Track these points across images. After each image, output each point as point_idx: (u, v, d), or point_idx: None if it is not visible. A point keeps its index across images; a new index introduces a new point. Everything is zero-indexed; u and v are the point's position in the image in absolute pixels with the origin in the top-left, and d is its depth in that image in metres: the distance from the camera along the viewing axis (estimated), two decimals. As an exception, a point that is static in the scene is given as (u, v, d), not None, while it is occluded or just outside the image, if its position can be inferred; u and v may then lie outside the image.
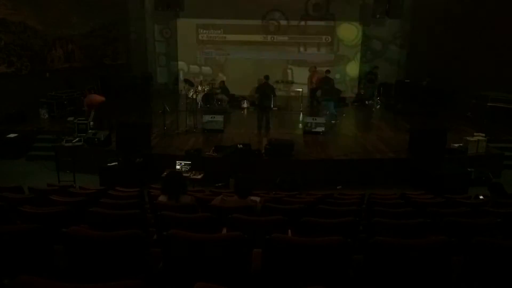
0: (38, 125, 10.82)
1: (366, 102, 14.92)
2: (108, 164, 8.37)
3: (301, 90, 14.62)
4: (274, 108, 13.78)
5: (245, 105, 13.81)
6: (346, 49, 16.74)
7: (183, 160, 8.14)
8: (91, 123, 9.95)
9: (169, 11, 14.95)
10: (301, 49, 16.81)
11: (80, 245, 2.79)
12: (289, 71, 16.68)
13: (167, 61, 16.61)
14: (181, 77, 16.14)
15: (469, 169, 8.56)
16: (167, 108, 10.82)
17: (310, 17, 16.29)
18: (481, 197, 5.95)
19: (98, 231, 2.92)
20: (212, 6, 15.80)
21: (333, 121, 11.72)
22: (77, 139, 9.27)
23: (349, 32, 16.64)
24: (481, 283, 2.80)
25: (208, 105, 13.40)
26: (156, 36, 16.92)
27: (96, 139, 9.14)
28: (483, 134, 9.43)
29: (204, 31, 16.61)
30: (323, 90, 12.77)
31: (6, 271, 2.61)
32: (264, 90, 11.15)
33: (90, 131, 9.56)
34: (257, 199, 4.64)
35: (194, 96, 13.43)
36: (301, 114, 13.04)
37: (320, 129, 10.48)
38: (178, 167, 7.97)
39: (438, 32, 14.22)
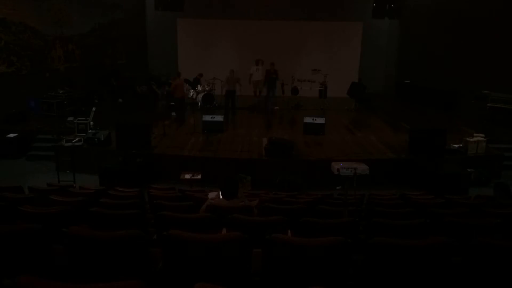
0: (38, 125, 10.83)
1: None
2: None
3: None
4: (276, 108, 13.89)
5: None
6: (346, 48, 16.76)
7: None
8: (91, 123, 9.95)
9: (169, 11, 14.95)
10: (302, 49, 16.83)
11: (80, 245, 2.79)
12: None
13: (167, 61, 16.59)
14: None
15: (468, 170, 8.56)
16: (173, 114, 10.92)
17: (310, 17, 16.30)
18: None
19: (98, 231, 2.92)
20: (212, 6, 15.81)
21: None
22: (77, 139, 9.27)
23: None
24: (481, 284, 2.80)
25: (208, 105, 13.41)
26: (156, 36, 16.91)
27: (96, 139, 9.14)
28: (483, 135, 9.43)
29: (204, 31, 16.64)
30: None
31: (6, 271, 2.60)
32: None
33: (90, 131, 9.56)
34: (254, 202, 4.58)
35: (194, 96, 13.45)
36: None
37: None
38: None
39: (438, 32, 14.22)
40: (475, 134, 9.53)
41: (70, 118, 10.50)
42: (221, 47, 16.84)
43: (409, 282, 2.77)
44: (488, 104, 11.85)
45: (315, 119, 10.76)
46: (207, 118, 10.69)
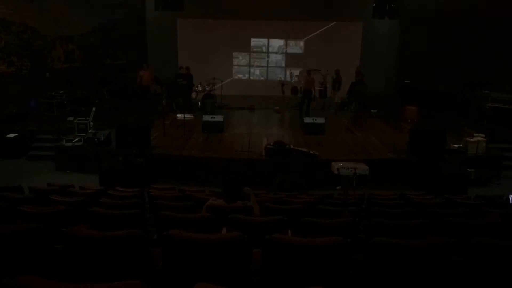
0: (38, 125, 10.82)
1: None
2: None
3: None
4: (276, 108, 13.87)
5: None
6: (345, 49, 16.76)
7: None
8: (91, 123, 9.95)
9: (169, 11, 14.95)
10: (302, 49, 16.84)
11: (80, 245, 2.79)
12: (289, 71, 16.70)
13: (167, 61, 16.59)
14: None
15: (468, 170, 8.56)
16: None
17: (310, 17, 16.30)
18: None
19: (98, 231, 2.92)
20: (212, 6, 15.80)
21: None
22: (77, 139, 9.27)
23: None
24: (481, 284, 2.80)
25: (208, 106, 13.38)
26: (156, 36, 16.90)
27: (96, 139, 9.14)
28: (483, 135, 9.43)
29: (204, 31, 16.63)
30: None
31: (6, 271, 2.60)
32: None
33: (90, 131, 9.56)
34: (256, 207, 4.53)
35: (194, 96, 13.45)
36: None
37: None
38: None
39: (438, 32, 14.21)
40: (475, 134, 9.53)
41: (70, 118, 10.49)
42: (221, 47, 16.82)
43: (409, 282, 2.77)
44: (488, 104, 11.84)
45: (315, 119, 10.76)
46: (207, 118, 10.69)
